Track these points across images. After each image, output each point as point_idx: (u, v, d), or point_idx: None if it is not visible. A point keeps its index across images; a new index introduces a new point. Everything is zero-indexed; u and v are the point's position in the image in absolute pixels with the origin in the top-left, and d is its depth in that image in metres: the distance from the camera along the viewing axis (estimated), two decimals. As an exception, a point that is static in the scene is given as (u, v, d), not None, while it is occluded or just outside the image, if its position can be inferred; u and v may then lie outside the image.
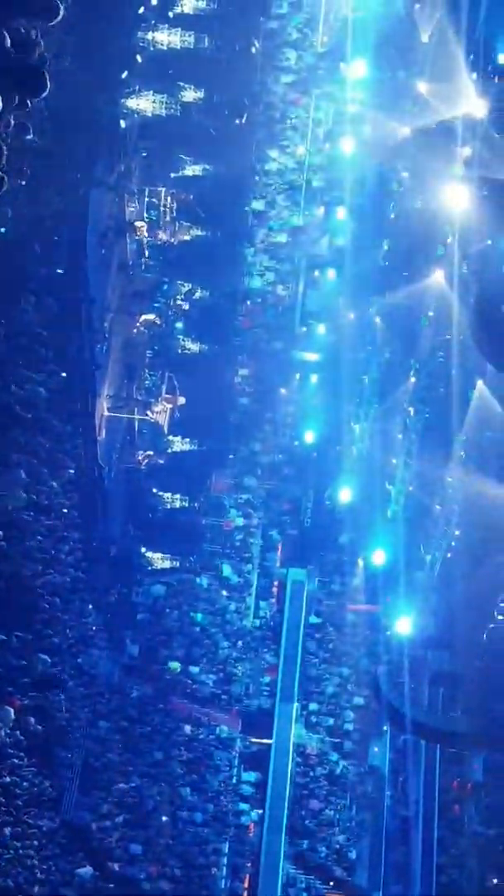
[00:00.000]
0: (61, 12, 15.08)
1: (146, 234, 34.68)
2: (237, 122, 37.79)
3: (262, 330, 44.26)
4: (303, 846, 36.43)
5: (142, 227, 34.36)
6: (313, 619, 41.58)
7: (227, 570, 41.14)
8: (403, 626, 40.19)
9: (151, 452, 37.68)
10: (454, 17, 37.64)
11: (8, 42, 12.42)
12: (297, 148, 43.03)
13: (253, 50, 38.12)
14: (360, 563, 43.45)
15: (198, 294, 40.28)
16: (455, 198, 41.11)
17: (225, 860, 34.65)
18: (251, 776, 37.03)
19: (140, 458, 37.43)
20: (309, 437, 44.27)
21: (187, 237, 36.42)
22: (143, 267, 35.33)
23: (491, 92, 37.67)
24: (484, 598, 39.65)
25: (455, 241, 42.98)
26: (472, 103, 38.97)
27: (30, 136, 19.82)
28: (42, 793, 26.93)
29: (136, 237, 34.43)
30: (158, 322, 36.28)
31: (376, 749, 39.31)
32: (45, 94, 12.99)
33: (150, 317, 36.02)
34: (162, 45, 35.69)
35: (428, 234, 43.55)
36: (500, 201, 37.13)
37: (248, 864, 35.59)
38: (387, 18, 41.07)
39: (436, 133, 41.44)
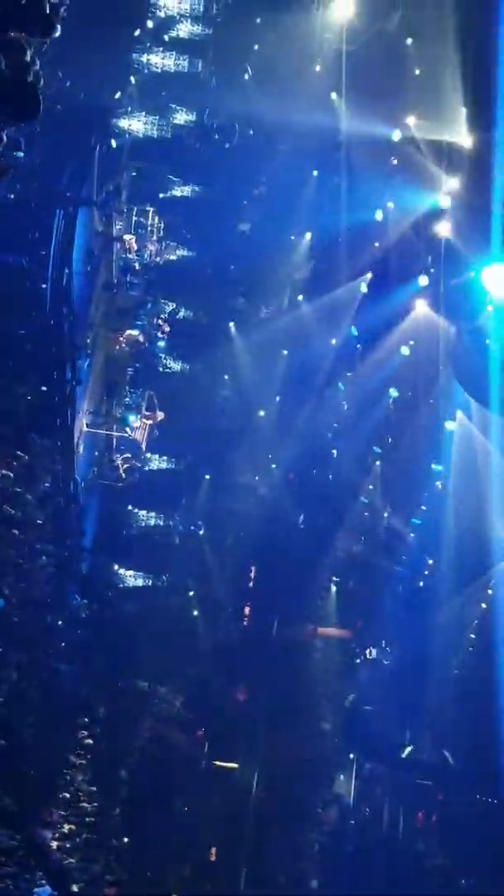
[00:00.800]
0: (58, 29, 15.09)
1: (135, 247, 34.70)
2: (226, 144, 37.97)
3: (243, 351, 44.44)
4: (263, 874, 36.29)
5: (131, 240, 34.39)
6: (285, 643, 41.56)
7: (195, 589, 41.09)
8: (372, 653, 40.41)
9: (130, 455, 37.57)
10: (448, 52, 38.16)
11: (2, 62, 12.40)
12: (285, 171, 43.25)
13: (246, 76, 38.40)
14: (332, 587, 43.57)
15: (181, 314, 40.42)
16: (438, 228, 41.57)
17: (188, 885, 34.42)
18: (215, 798, 36.90)
19: (118, 462, 37.32)
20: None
21: (173, 257, 36.54)
22: (127, 285, 35.40)
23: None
24: (456, 626, 39.83)
25: (438, 270, 43.39)
26: (459, 135, 39.49)
27: (20, 153, 19.85)
28: (2, 809, 26.68)
29: (124, 255, 34.49)
30: (142, 340, 36.30)
31: (341, 777, 39.29)
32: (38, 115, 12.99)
33: (135, 333, 36.00)
34: (156, 67, 35.92)
35: (410, 264, 43.93)
36: (483, 232, 37.46)
37: (208, 887, 35.41)
38: (379, 50, 41.41)
39: (419, 163, 41.90)
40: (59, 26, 15.00)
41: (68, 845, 28.48)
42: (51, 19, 14.89)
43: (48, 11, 14.31)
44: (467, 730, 37.52)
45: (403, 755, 38.31)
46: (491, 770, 35.64)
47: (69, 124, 24.63)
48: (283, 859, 36.67)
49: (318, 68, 40.72)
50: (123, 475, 37.66)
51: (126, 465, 37.49)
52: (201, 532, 42.44)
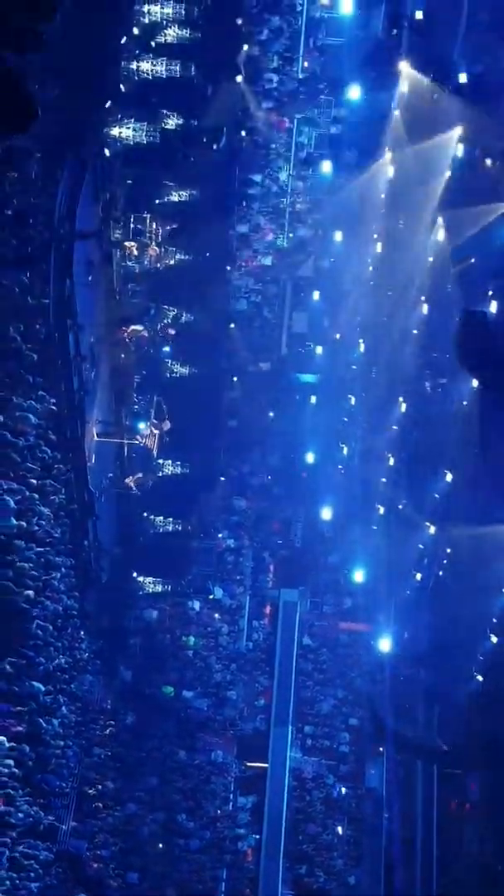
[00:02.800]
0: (44, 44, 15.15)
1: (136, 254, 34.75)
2: (214, 147, 38.06)
3: (248, 352, 44.52)
4: (301, 871, 36.27)
5: (131, 246, 34.44)
6: (306, 641, 41.56)
7: (218, 592, 41.12)
8: (385, 644, 40.43)
9: (141, 474, 37.66)
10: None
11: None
12: (280, 172, 43.40)
13: (239, 78, 38.49)
14: (351, 580, 43.52)
15: (184, 318, 40.48)
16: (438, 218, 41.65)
17: (222, 887, 34.45)
18: (247, 801, 36.90)
19: (130, 481, 37.40)
20: (304, 457, 44.49)
21: (173, 262, 36.57)
22: (129, 293, 35.45)
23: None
24: (476, 616, 39.71)
25: (438, 257, 43.48)
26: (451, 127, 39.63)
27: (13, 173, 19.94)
28: (37, 822, 26.74)
29: (124, 263, 34.53)
30: (147, 335, 36.25)
31: (373, 771, 39.24)
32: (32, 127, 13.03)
33: (138, 328, 35.86)
34: (146, 73, 36.00)
35: (412, 254, 43.99)
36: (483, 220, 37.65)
37: (247, 891, 35.41)
38: (365, 43, 41.54)
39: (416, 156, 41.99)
40: (45, 40, 15.08)
41: (104, 853, 28.54)
42: (40, 34, 14.97)
43: (37, 29, 14.42)
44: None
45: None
46: None
47: (61, 136, 24.70)
48: (317, 854, 36.72)
49: (305, 64, 40.94)
50: (137, 490, 37.75)
51: (139, 482, 37.55)
52: (220, 535, 42.43)
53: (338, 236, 44.37)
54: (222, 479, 43.26)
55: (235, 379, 44.26)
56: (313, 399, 45.01)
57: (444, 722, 40.61)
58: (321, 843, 37.06)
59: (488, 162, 38.47)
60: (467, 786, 39.51)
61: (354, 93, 41.26)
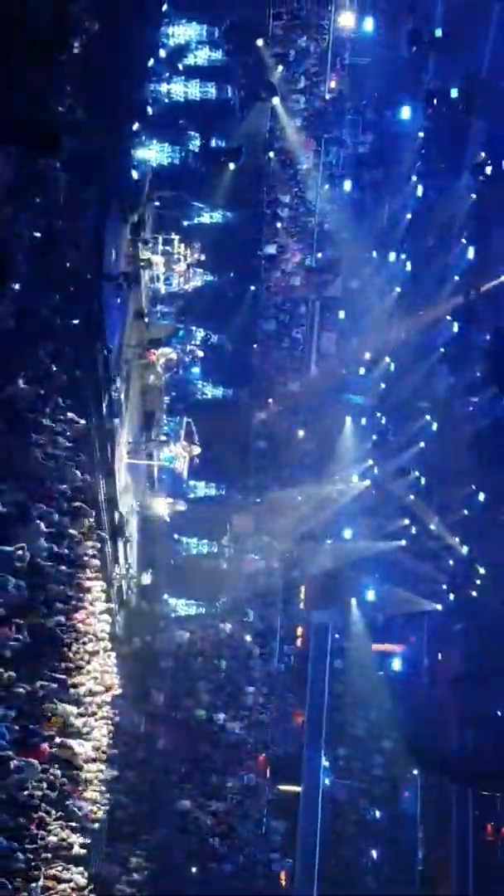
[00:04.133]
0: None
1: (163, 270, 34.77)
2: (231, 167, 38.27)
3: (277, 373, 44.52)
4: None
5: (158, 262, 34.48)
6: (338, 663, 41.29)
7: (250, 614, 40.92)
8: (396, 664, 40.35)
9: (172, 500, 37.54)
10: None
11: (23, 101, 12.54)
12: (308, 192, 43.50)
13: (276, 100, 38.75)
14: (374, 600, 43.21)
15: (213, 340, 40.55)
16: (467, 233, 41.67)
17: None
18: (280, 825, 36.60)
19: (164, 506, 37.31)
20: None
21: (200, 283, 36.64)
22: (158, 315, 35.53)
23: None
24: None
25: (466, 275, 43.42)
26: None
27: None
28: (70, 846, 26.58)
29: (152, 285, 34.58)
30: (175, 358, 36.25)
31: (407, 794, 38.86)
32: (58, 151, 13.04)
33: (168, 350, 35.83)
34: (173, 94, 36.34)
35: (441, 272, 43.97)
36: None
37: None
38: (391, 63, 41.75)
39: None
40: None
41: (137, 877, 28.30)
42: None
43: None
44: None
45: None
46: None
47: (89, 158, 24.80)
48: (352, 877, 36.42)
49: (332, 84, 41.08)
50: (168, 518, 37.65)
51: (169, 508, 37.39)
52: (256, 556, 42.14)
53: (366, 255, 44.40)
54: (258, 501, 43.02)
55: (271, 400, 44.20)
56: (348, 421, 44.80)
57: (478, 744, 40.24)
58: (355, 867, 36.68)
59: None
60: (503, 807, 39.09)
61: (381, 113, 41.44)
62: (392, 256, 44.81)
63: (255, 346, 43.52)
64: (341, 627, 42.70)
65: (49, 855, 24.15)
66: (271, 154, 41.66)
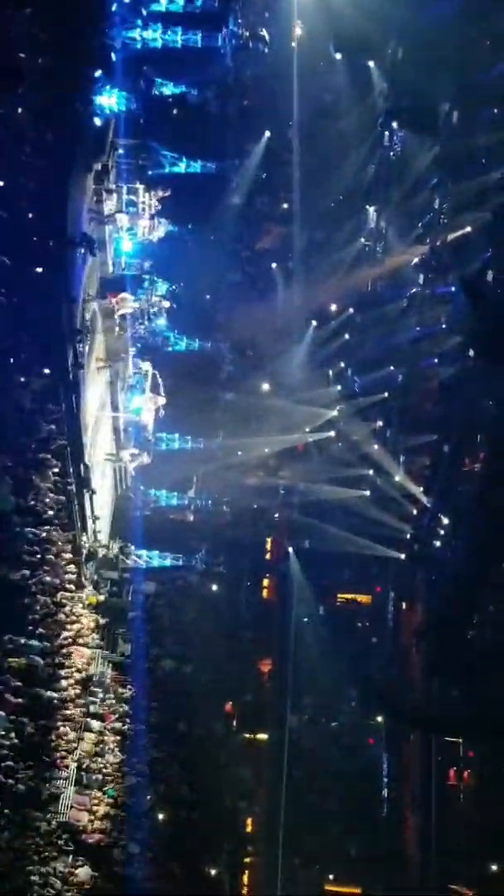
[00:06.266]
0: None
1: (127, 226, 34.38)
2: (209, 109, 37.83)
3: (243, 324, 44.37)
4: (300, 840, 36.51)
5: (123, 218, 34.08)
6: (305, 612, 41.63)
7: (217, 564, 41.06)
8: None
9: (137, 451, 37.47)
10: None
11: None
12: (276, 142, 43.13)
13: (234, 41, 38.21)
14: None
15: (178, 290, 40.23)
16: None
17: (224, 857, 34.60)
18: (247, 771, 37.03)
19: (126, 457, 37.25)
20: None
21: (164, 234, 36.26)
22: (122, 267, 35.16)
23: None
24: (474, 585, 39.84)
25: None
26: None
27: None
28: (38, 794, 26.82)
29: (116, 236, 34.20)
30: (137, 306, 35.88)
31: (371, 741, 39.44)
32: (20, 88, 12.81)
33: (128, 296, 35.32)
34: (137, 41, 35.72)
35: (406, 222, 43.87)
36: None
37: (247, 860, 35.61)
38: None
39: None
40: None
41: (106, 825, 28.55)
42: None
43: None
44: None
45: None
46: None
47: (51, 103, 24.43)
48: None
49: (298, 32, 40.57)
50: (132, 472, 37.61)
51: (135, 460, 37.37)
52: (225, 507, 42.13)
53: (331, 206, 44.27)
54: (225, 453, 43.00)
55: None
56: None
57: (442, 692, 40.82)
58: (320, 813, 37.26)
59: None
60: (466, 754, 39.77)
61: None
62: (357, 207, 44.63)
63: (221, 297, 43.25)
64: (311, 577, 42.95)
65: (16, 803, 24.45)
66: (245, 102, 41.25)
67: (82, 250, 30.12)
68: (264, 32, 39.21)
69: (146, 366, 36.80)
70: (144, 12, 36.54)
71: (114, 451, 37.73)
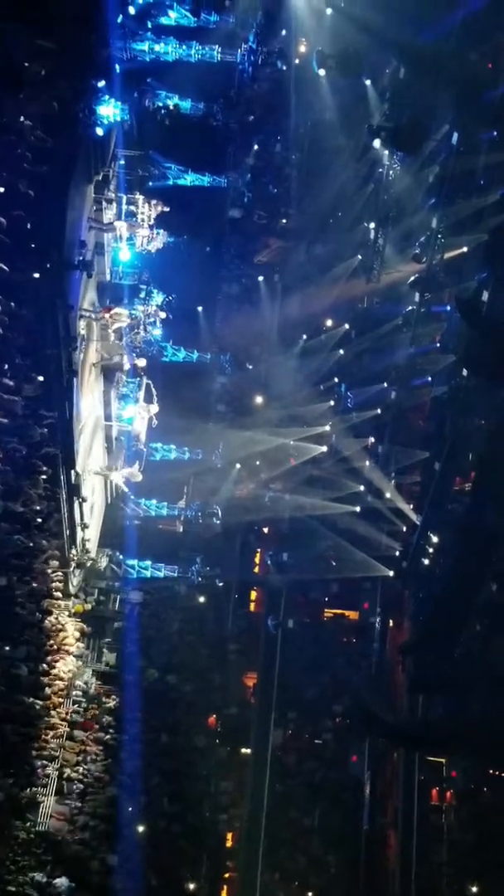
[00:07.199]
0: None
1: (126, 235, 34.52)
2: (212, 122, 38.05)
3: (239, 336, 44.45)
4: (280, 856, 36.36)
5: (121, 227, 34.22)
6: (291, 626, 41.45)
7: (204, 576, 40.98)
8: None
9: (129, 470, 37.55)
10: None
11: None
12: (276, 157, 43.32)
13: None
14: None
15: (175, 302, 40.29)
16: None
17: (203, 870, 34.44)
18: (229, 785, 36.90)
19: (119, 479, 37.34)
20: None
21: (162, 245, 36.36)
22: (120, 275, 35.23)
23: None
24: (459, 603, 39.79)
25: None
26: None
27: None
28: (17, 802, 26.75)
29: (115, 245, 34.31)
30: (129, 318, 35.96)
31: (355, 758, 39.28)
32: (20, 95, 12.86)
33: (122, 311, 35.40)
34: (141, 53, 35.95)
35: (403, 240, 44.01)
36: None
37: (226, 874, 35.44)
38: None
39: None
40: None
41: (85, 836, 28.49)
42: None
43: None
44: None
45: None
46: None
47: (54, 112, 24.50)
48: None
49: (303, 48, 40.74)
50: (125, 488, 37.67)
51: (126, 477, 37.41)
52: (216, 519, 42.01)
53: (329, 222, 44.43)
54: (217, 465, 43.00)
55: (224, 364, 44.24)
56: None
57: (426, 710, 40.73)
58: (302, 828, 37.13)
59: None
60: (449, 773, 39.66)
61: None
62: (355, 224, 44.75)
63: (217, 309, 43.35)
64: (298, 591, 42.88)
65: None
66: (250, 118, 41.48)
67: (80, 258, 30.20)
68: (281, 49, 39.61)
69: (140, 374, 36.84)
70: (150, 25, 36.82)
71: (106, 462, 37.75)
